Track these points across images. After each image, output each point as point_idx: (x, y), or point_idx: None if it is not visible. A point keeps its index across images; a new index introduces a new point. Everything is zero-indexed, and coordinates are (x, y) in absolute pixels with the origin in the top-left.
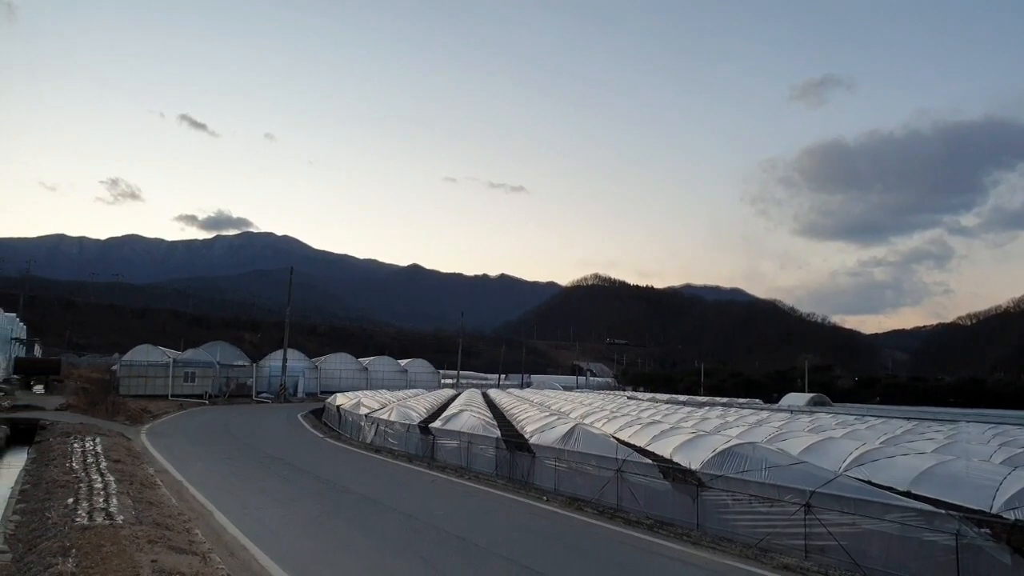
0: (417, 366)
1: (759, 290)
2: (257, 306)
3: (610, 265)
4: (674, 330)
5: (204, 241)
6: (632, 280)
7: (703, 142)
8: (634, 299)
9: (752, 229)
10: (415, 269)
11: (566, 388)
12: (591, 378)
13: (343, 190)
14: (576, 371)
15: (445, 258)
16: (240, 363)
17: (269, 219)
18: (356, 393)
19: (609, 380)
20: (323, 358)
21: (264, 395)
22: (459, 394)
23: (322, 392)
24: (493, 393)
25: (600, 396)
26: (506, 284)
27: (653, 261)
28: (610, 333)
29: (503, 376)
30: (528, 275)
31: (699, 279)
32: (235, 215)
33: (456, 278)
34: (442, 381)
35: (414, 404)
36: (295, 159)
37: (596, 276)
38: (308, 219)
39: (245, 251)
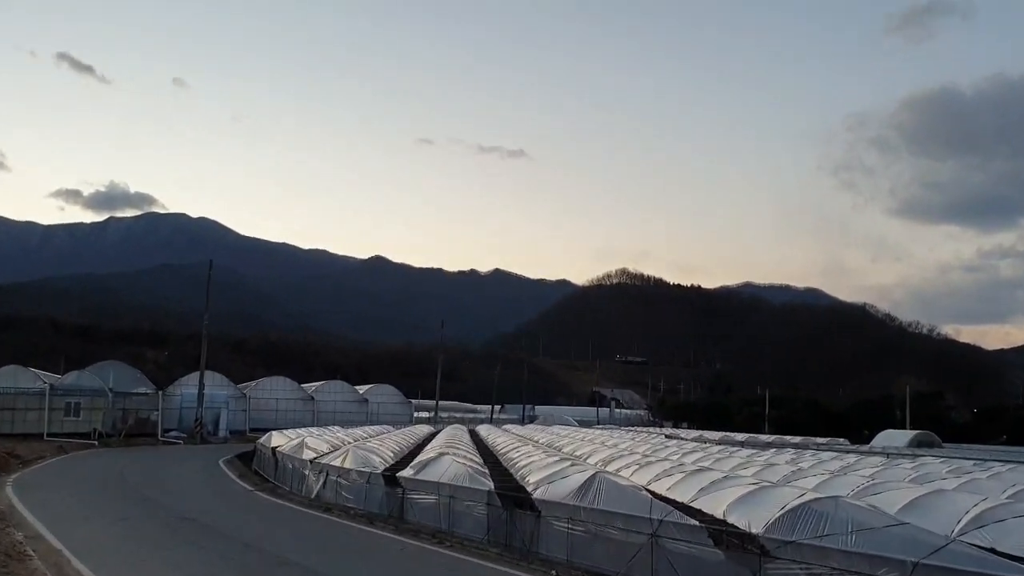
0: (381, 394)
1: (843, 291)
2: (165, 313)
3: (642, 257)
4: (729, 344)
5: (92, 225)
6: (672, 277)
7: (768, 92)
8: (675, 303)
9: (834, 208)
10: (379, 263)
11: (583, 424)
12: (617, 410)
13: (281, 157)
14: (597, 400)
15: (419, 248)
16: (142, 391)
17: (181, 196)
18: (299, 431)
19: (641, 413)
20: (254, 384)
21: (174, 434)
22: (438, 432)
23: (252, 430)
24: (484, 431)
25: (629, 435)
26: (501, 283)
27: (700, 252)
28: (640, 349)
29: (498, 408)
30: (531, 271)
31: (762, 276)
32: (134, 190)
33: (434, 275)
34: (415, 414)
35: (377, 446)
36: (215, 115)
37: (624, 272)
38: (234, 196)
39: (148, 239)
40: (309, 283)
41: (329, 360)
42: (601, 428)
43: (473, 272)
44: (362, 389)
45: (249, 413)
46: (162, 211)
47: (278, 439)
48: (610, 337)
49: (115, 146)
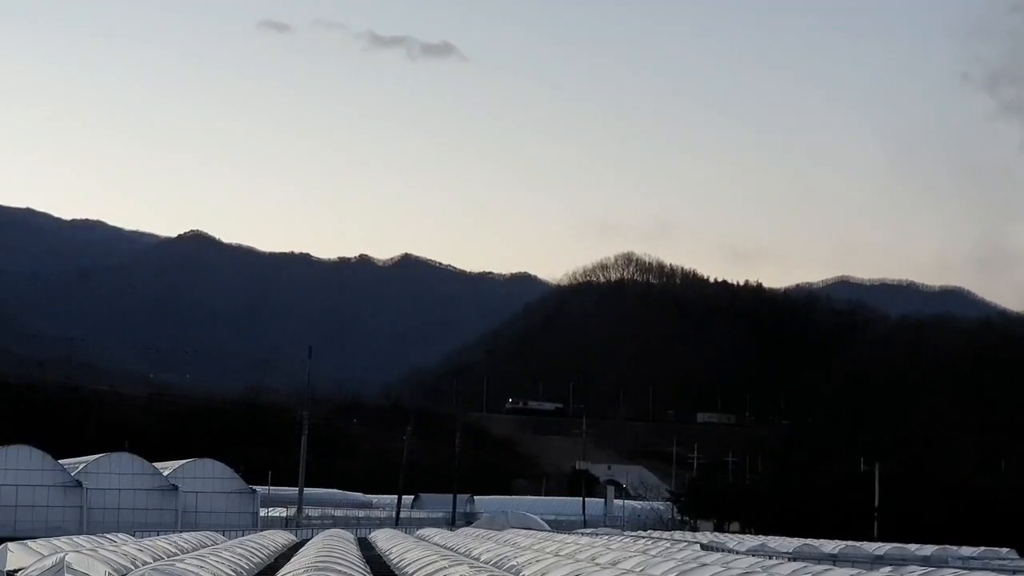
0: (202, 476)
1: (1007, 293)
2: None
3: (660, 235)
4: (812, 386)
5: None
6: (713, 270)
7: None
8: (718, 313)
9: (992, 150)
10: (199, 245)
11: (559, 526)
12: (619, 502)
13: (28, 55)
14: (583, 486)
15: (270, 219)
16: None
17: None
18: (57, 542)
19: (660, 506)
20: None
21: None
22: (303, 543)
23: None
24: (385, 540)
25: (638, 544)
26: (415, 280)
27: (762, 227)
28: (657, 392)
29: (410, 500)
30: (468, 259)
31: (869, 268)
32: None
33: (296, 264)
34: (263, 512)
35: (194, 570)
36: None
37: (628, 260)
38: None
39: None
40: (77, 279)
41: (110, 417)
42: (591, 533)
43: (365, 260)
44: (168, 468)
45: None
46: None
47: (19, 557)
48: (606, 372)
49: None
